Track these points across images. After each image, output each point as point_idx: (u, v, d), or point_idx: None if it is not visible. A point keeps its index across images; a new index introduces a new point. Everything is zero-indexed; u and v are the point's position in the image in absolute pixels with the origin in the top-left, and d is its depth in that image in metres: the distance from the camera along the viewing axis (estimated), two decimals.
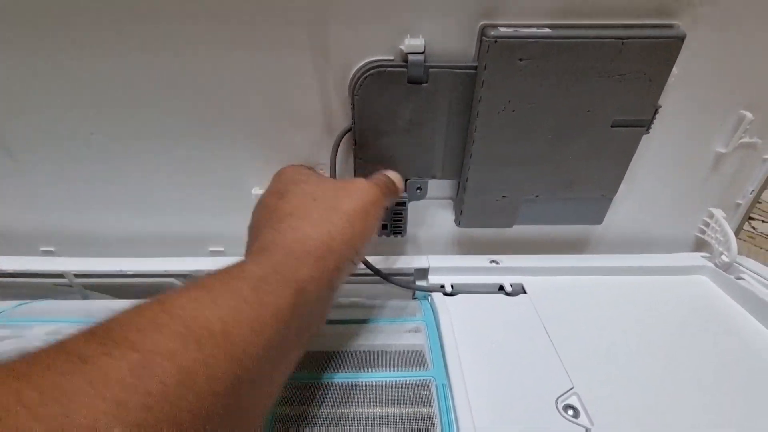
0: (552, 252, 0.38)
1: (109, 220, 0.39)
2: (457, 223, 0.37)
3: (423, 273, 0.36)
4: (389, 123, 0.31)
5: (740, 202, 0.38)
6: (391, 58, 0.29)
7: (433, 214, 0.38)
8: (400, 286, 0.34)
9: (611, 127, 0.30)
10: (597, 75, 0.28)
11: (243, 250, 0.40)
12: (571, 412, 0.25)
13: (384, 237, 0.37)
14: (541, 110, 0.29)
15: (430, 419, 0.24)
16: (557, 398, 0.25)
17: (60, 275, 0.37)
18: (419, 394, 0.25)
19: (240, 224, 0.39)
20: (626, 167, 0.33)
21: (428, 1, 0.27)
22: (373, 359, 0.27)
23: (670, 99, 0.32)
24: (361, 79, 0.29)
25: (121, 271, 0.37)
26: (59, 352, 0.13)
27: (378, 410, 0.24)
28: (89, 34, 0.28)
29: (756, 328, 0.31)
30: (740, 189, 0.38)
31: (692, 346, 0.29)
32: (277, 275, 0.19)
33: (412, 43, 0.28)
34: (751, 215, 0.84)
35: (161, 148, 0.34)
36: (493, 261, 0.36)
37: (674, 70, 0.29)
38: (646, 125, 0.31)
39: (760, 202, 0.88)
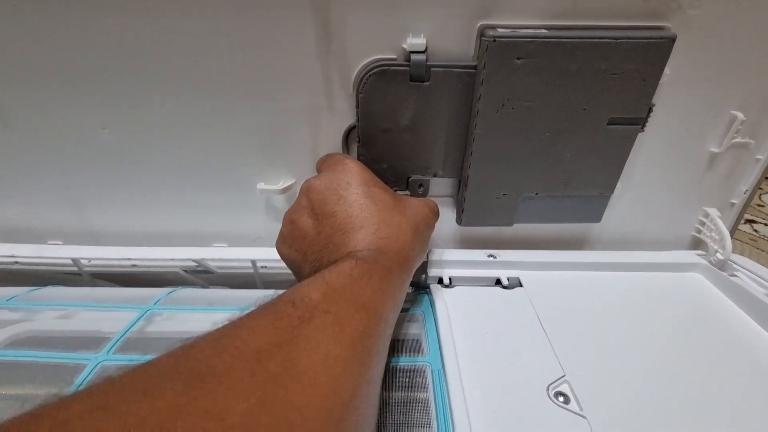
0: (551, 250, 0.38)
1: (116, 216, 0.40)
2: (458, 221, 0.37)
3: (422, 266, 0.37)
4: (392, 121, 0.32)
5: (735, 201, 0.39)
6: (395, 56, 0.30)
7: None
8: None
9: (607, 125, 0.31)
10: (592, 74, 0.29)
11: (245, 245, 0.41)
12: (561, 398, 0.25)
13: None
14: (538, 108, 0.30)
15: (425, 403, 0.24)
16: (548, 385, 0.26)
17: (70, 264, 0.39)
18: (415, 379, 0.26)
19: (245, 222, 0.40)
20: (623, 165, 0.34)
21: (430, 2, 0.28)
22: None
23: (664, 98, 0.33)
24: (366, 77, 0.30)
25: (129, 259, 0.38)
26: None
27: None
28: (97, 31, 0.29)
29: (747, 324, 0.32)
30: (734, 189, 0.39)
31: (683, 340, 0.30)
32: (395, 271, 0.24)
33: (415, 42, 0.29)
34: (754, 218, 0.84)
35: (168, 145, 0.35)
36: (490, 255, 0.37)
37: (666, 70, 0.30)
38: (641, 123, 0.32)
39: (762, 205, 0.88)
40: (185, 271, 0.39)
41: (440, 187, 0.37)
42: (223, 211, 0.39)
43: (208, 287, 0.41)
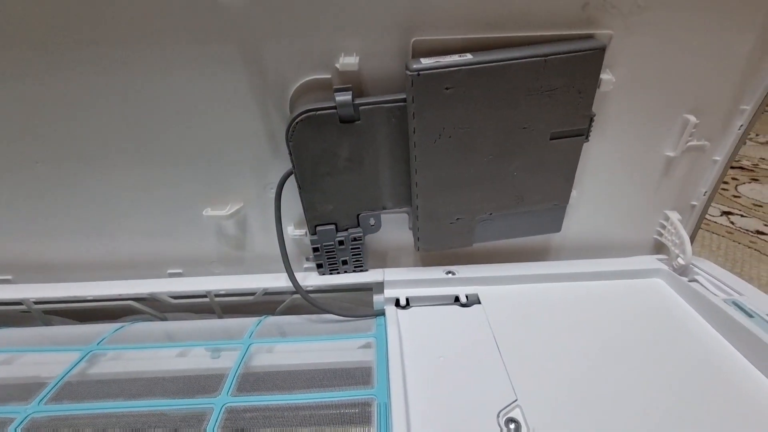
0: (516, 261, 0.38)
1: (66, 247, 0.39)
2: (416, 248, 0.36)
3: (380, 287, 0.36)
4: (330, 164, 0.31)
5: (695, 203, 0.39)
6: (328, 76, 0.29)
7: (392, 229, 0.38)
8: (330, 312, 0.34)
9: (550, 140, 0.30)
10: (525, 93, 0.28)
11: (200, 270, 0.40)
12: (512, 425, 0.25)
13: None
14: (476, 133, 0.30)
15: None
16: (499, 412, 0.25)
17: (18, 302, 0.37)
18: (360, 413, 0.25)
19: (197, 247, 0.39)
20: (573, 175, 0.33)
21: (357, 19, 0.27)
22: (319, 377, 0.27)
23: (612, 106, 0.32)
24: (293, 125, 0.29)
25: (77, 296, 0.37)
26: None
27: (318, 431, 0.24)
28: (26, 60, 0.28)
29: (706, 331, 0.31)
30: (694, 191, 0.38)
31: (642, 354, 0.29)
32: None
33: (347, 61, 0.28)
34: (730, 210, 0.84)
35: (109, 175, 0.34)
36: (449, 272, 0.36)
37: (612, 78, 0.30)
38: (584, 134, 0.31)
39: (738, 196, 0.88)
40: (138, 302, 0.38)
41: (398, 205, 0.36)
42: (173, 237, 0.38)
43: (164, 318, 0.40)
